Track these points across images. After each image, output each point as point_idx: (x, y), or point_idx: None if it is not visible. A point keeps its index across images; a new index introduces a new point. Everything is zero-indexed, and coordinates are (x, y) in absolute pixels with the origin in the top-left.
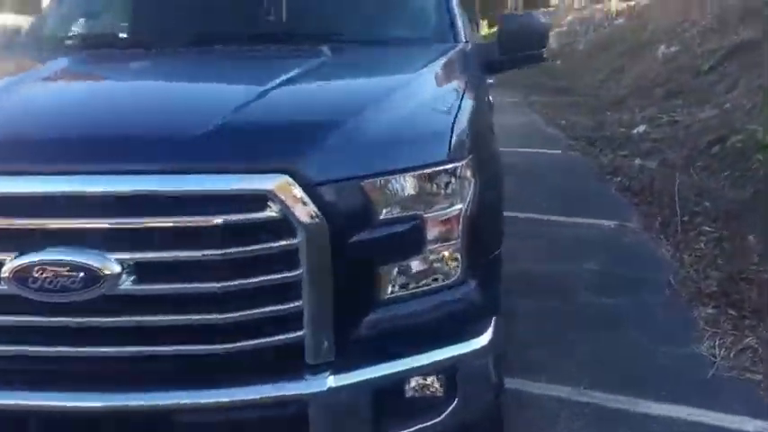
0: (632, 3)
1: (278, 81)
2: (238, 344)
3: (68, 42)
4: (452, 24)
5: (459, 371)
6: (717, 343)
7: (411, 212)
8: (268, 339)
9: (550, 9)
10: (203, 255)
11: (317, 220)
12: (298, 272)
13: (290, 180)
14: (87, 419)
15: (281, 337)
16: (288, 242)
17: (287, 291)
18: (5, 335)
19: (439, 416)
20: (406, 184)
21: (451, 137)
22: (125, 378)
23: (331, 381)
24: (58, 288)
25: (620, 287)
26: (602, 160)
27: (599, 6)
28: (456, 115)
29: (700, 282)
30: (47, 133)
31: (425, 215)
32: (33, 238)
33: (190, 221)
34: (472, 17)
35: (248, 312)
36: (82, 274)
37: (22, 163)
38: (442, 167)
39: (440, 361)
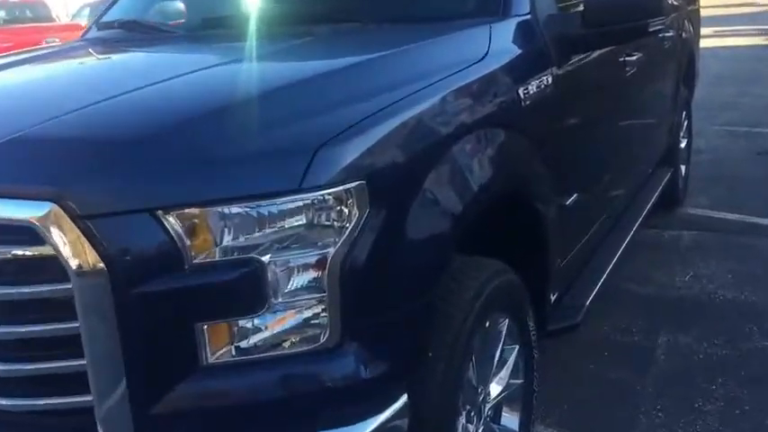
0: None
1: (169, 76)
2: (18, 402)
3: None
4: None
5: None
6: None
7: (240, 255)
8: (50, 401)
9: None
10: None
11: (92, 262)
12: (74, 324)
13: (58, 210)
14: None
15: (63, 400)
16: (60, 287)
17: (66, 346)
18: None
19: None
20: (234, 219)
21: (315, 154)
22: None
23: None
24: None
25: None
26: None
27: None
28: (358, 123)
29: None
30: None
31: (264, 259)
32: None
33: None
34: None
35: (23, 367)
36: None
37: None
38: (292, 197)
39: None
